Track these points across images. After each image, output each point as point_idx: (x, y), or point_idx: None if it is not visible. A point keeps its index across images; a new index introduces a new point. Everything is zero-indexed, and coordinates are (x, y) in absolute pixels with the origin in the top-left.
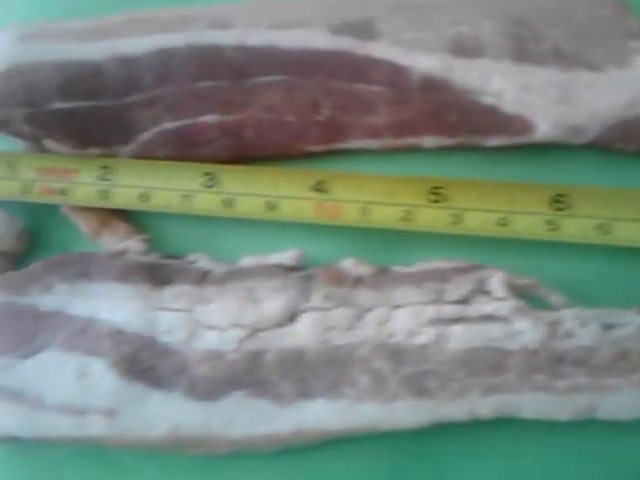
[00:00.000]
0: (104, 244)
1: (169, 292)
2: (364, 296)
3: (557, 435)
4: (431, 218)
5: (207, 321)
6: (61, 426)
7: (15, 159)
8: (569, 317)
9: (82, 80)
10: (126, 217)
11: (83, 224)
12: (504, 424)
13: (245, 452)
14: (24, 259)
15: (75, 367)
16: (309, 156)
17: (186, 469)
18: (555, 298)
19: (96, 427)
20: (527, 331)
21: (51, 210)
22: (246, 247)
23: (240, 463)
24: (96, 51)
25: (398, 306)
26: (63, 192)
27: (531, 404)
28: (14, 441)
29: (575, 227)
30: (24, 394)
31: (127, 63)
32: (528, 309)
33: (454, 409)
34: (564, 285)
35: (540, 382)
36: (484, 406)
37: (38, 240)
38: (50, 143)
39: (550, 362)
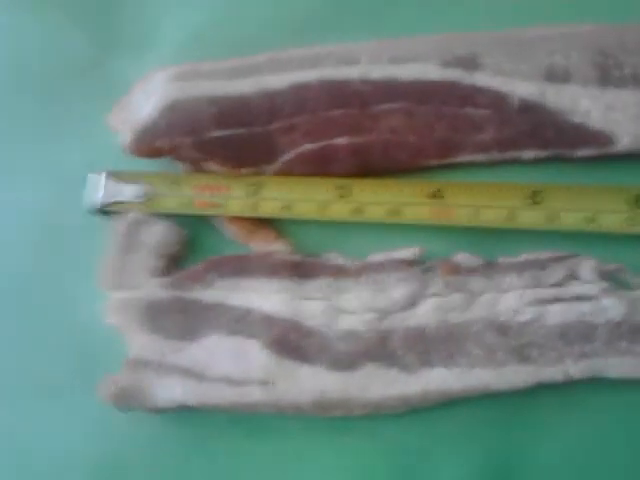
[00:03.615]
0: (253, 248)
1: (312, 285)
2: (476, 283)
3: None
4: (531, 217)
5: (344, 307)
6: (224, 395)
7: (178, 179)
8: None
9: (233, 111)
10: (271, 224)
11: (235, 232)
12: (592, 384)
13: (377, 413)
14: (184, 262)
15: (235, 348)
16: (427, 169)
17: (324, 429)
18: (635, 280)
19: (254, 395)
20: (612, 307)
21: (206, 220)
22: (373, 247)
23: (370, 423)
24: (243, 86)
25: (505, 291)
26: (218, 205)
27: (616, 366)
28: (184, 409)
29: None
30: (192, 370)
31: (270, 96)
32: (613, 290)
33: (552, 372)
34: None
35: (623, 348)
36: (577, 369)
37: (193, 246)
38: (210, 165)
39: (631, 332)
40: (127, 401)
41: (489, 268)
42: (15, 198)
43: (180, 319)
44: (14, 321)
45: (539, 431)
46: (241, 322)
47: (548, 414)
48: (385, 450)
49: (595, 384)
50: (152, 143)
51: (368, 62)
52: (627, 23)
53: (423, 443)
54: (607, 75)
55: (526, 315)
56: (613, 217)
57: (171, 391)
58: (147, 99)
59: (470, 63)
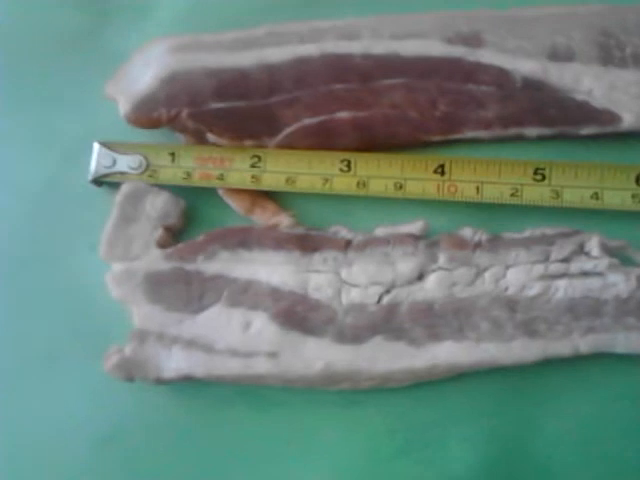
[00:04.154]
0: (255, 220)
1: (318, 257)
2: (482, 258)
3: None
4: (535, 194)
5: (351, 280)
6: (231, 366)
7: (176, 150)
8: None
9: (233, 84)
10: (273, 197)
11: (236, 204)
12: (600, 359)
13: (384, 386)
14: (183, 234)
15: (240, 319)
16: (429, 145)
17: (331, 402)
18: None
19: (261, 367)
20: (619, 283)
21: (206, 193)
22: (377, 221)
23: (373, 397)
24: (243, 59)
25: (511, 265)
26: (220, 177)
27: (623, 341)
28: (187, 381)
29: None
30: (197, 342)
31: (270, 69)
32: (619, 266)
33: (560, 347)
34: None
35: (630, 324)
36: (584, 344)
37: (194, 218)
38: (210, 137)
39: (638, 308)
40: (132, 372)
41: (494, 243)
42: (14, 168)
43: (182, 290)
44: (19, 292)
45: (547, 405)
46: (246, 294)
47: (556, 388)
48: (392, 423)
49: (602, 359)
50: (151, 113)
51: (369, 37)
52: (629, 4)
53: (431, 416)
54: (609, 55)
55: (534, 290)
56: (618, 194)
57: (176, 362)
58: (146, 69)
59: (473, 40)
